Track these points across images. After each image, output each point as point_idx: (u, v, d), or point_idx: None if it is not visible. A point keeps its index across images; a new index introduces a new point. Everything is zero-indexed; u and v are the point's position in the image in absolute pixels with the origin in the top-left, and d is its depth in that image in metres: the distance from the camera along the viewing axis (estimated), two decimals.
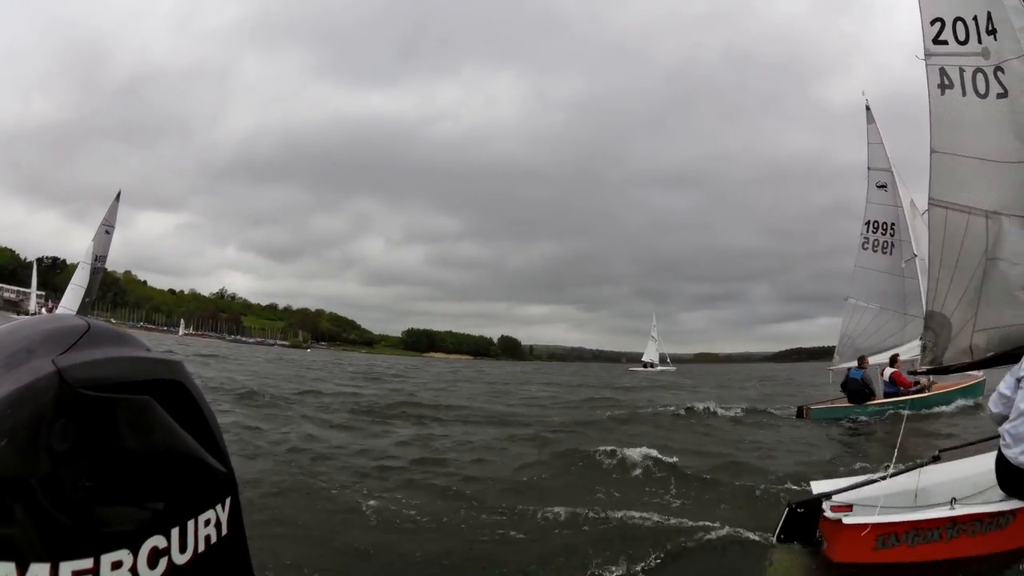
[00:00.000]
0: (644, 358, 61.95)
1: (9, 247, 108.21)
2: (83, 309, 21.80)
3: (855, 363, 14.01)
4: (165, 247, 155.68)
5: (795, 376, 36.12)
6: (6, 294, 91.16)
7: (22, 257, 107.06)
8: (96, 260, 22.64)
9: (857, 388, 13.44)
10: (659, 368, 58.51)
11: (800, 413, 13.40)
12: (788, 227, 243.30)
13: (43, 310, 28.08)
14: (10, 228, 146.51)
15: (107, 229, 22.93)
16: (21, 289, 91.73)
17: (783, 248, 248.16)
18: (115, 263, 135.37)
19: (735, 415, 13.64)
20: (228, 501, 0.57)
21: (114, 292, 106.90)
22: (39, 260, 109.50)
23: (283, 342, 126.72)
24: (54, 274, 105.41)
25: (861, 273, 14.95)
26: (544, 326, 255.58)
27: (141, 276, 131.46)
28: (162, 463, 0.51)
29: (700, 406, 14.27)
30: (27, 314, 49.01)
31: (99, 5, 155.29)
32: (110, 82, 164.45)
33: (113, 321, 50.79)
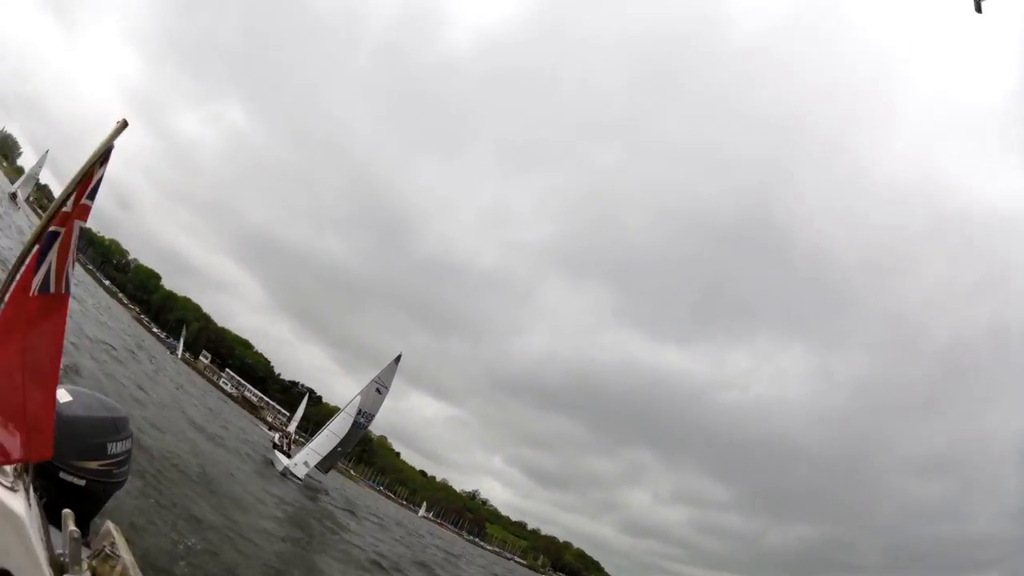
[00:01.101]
0: None
1: (266, 356, 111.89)
2: (332, 457, 23.09)
3: None
4: (430, 431, 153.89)
5: None
6: (247, 393, 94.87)
7: (276, 372, 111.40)
8: (360, 415, 23.57)
9: None
10: None
11: None
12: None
13: (277, 435, 28.34)
14: (274, 340, 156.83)
15: (379, 388, 23.60)
16: (264, 397, 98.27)
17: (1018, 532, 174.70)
18: (374, 425, 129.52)
19: None
20: None
21: (363, 448, 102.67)
22: (293, 383, 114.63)
23: (521, 560, 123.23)
24: (307, 404, 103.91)
25: None
26: None
27: (396, 447, 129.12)
28: None
29: None
30: (267, 426, 55.84)
31: (408, 186, 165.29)
32: (411, 255, 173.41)
33: (352, 474, 55.77)
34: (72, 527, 1.86)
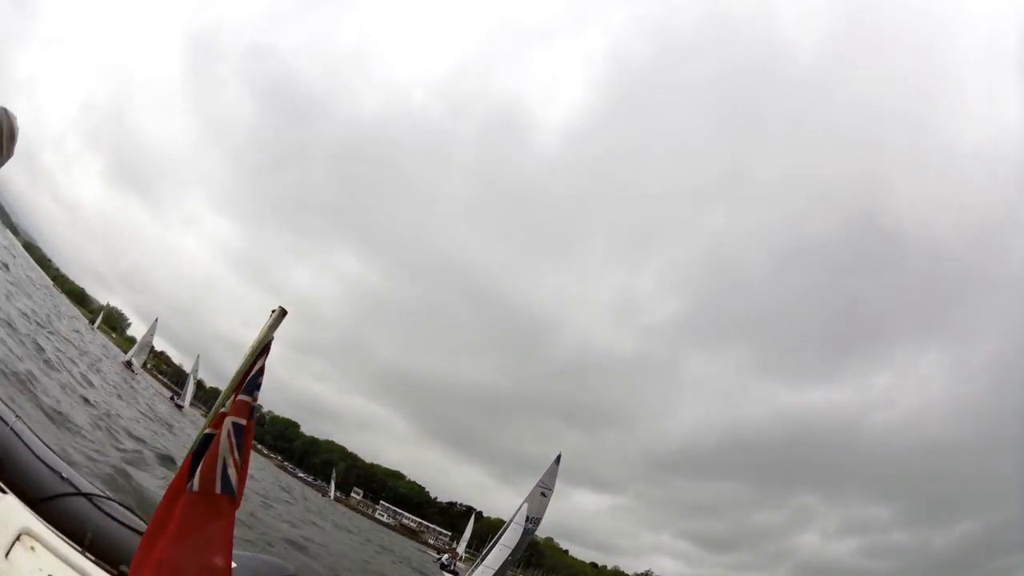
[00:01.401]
0: None
1: (419, 482, 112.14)
2: (503, 568, 23.05)
3: None
4: (595, 523, 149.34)
5: None
6: (405, 520, 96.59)
7: (432, 495, 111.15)
8: (528, 521, 23.66)
9: None
10: None
11: None
12: None
13: (445, 556, 29.90)
14: (426, 467, 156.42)
15: (543, 491, 23.74)
16: (423, 521, 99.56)
17: None
18: (541, 530, 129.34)
19: None
20: None
21: (530, 552, 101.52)
22: (451, 503, 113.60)
23: None
24: (465, 520, 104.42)
25: None
26: None
27: (564, 545, 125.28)
28: None
29: None
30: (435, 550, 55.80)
31: (533, 296, 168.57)
32: (550, 361, 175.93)
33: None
34: None
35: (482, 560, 24.91)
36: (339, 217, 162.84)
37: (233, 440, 2.34)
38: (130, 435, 14.14)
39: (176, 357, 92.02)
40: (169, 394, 55.17)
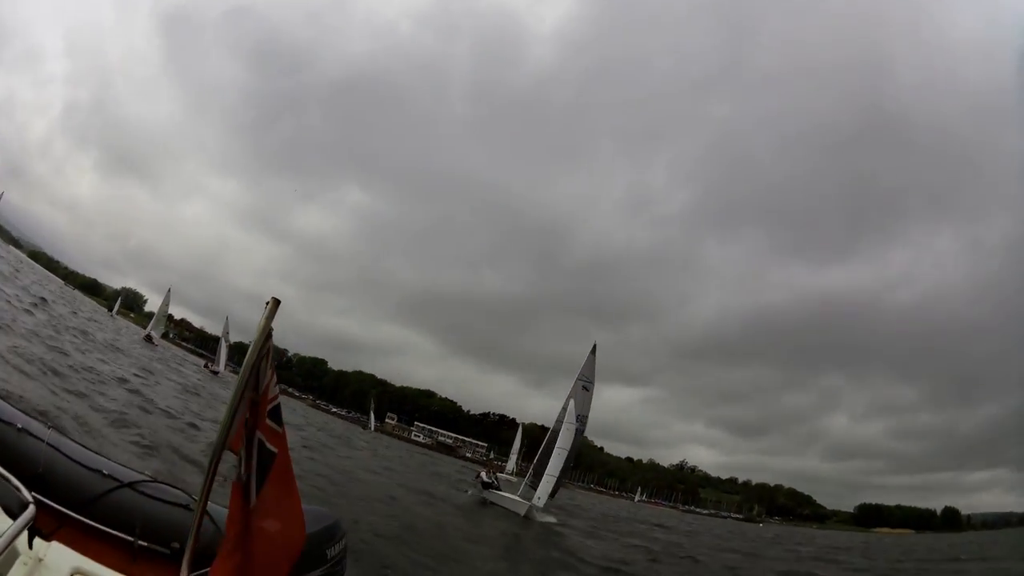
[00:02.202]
0: None
1: (451, 399, 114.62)
2: (564, 475, 21.76)
3: None
4: (627, 418, 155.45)
5: None
6: (441, 437, 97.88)
7: (465, 410, 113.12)
8: (578, 420, 22.60)
9: None
10: None
11: None
12: None
13: (484, 471, 23.89)
14: (457, 383, 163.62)
15: (584, 385, 23.00)
16: (459, 436, 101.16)
17: None
18: None
19: None
20: None
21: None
22: (484, 415, 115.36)
23: (737, 515, 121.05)
24: (502, 429, 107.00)
25: None
26: (982, 493, 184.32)
27: (599, 443, 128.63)
28: None
29: None
30: (501, 472, 46.58)
31: (545, 202, 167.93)
32: (569, 263, 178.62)
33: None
34: None
35: (540, 469, 22.63)
36: (341, 155, 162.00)
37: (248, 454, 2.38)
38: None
39: (197, 321, 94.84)
40: (202, 361, 54.73)
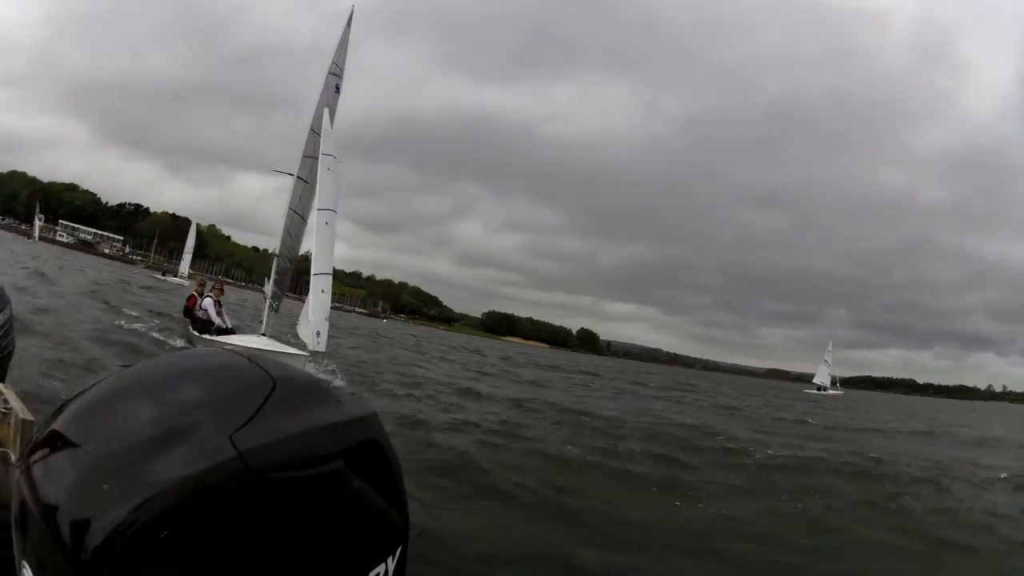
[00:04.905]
0: (816, 380, 64.99)
1: (92, 191, 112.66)
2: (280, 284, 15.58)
3: None
4: (261, 208, 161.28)
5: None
6: (82, 235, 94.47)
7: (104, 202, 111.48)
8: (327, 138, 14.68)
9: None
10: (830, 392, 60.30)
11: None
12: (868, 257, 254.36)
13: (200, 287, 15.78)
14: (100, 174, 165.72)
15: (338, 86, 15.82)
16: (98, 232, 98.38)
17: (862, 276, 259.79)
18: (204, 217, 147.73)
19: None
20: (399, 551, 0.47)
21: (198, 243, 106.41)
22: (120, 205, 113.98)
23: (361, 310, 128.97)
24: (135, 220, 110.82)
25: None
26: (624, 324, 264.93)
27: (226, 231, 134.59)
28: (342, 526, 0.42)
29: None
30: (174, 276, 52.50)
31: None
32: (228, 50, 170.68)
33: (191, 272, 50.81)
34: None
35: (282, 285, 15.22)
36: None
37: None
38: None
39: None
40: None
